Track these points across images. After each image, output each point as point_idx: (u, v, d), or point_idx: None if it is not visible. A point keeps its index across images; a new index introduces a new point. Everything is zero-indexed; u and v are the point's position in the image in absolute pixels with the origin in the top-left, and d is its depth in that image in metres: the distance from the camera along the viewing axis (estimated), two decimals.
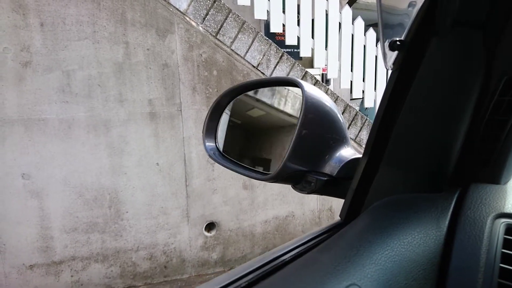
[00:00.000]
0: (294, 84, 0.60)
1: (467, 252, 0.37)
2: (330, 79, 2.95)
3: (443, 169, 0.48)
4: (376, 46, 3.02)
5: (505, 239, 0.37)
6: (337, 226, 0.50)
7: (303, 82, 0.57)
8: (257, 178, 0.63)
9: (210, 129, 0.69)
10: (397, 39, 0.43)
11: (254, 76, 2.50)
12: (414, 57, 0.44)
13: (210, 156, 0.69)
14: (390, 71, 0.46)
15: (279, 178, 0.56)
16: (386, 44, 0.44)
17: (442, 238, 0.40)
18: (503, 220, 0.39)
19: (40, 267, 2.20)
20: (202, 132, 0.70)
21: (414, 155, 0.48)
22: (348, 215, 0.52)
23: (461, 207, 0.42)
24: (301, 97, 0.56)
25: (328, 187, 0.57)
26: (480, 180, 0.49)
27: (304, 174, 0.57)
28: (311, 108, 0.54)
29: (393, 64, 0.45)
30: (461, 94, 0.44)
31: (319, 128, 0.55)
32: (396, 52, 0.44)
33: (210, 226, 2.58)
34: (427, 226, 0.40)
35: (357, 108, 2.93)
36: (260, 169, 0.68)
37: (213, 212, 2.54)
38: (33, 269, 2.18)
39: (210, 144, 0.69)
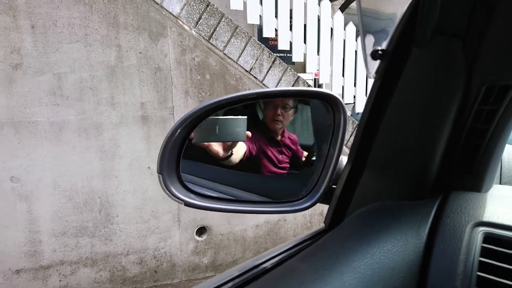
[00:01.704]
0: (331, 100, 0.56)
1: (446, 260, 0.38)
2: (322, 84, 2.96)
3: (425, 177, 0.48)
4: None
5: (482, 247, 0.38)
6: (321, 232, 0.50)
7: (341, 100, 0.55)
8: (285, 211, 0.55)
9: (170, 161, 0.51)
10: (379, 48, 0.44)
11: (247, 80, 2.51)
12: (395, 66, 0.44)
13: (186, 203, 0.52)
14: (372, 80, 0.47)
15: (317, 202, 0.54)
16: (368, 53, 0.44)
17: (422, 246, 0.40)
18: (481, 228, 0.40)
19: (27, 271, 2.16)
20: (158, 170, 0.50)
21: (396, 163, 0.48)
22: (332, 221, 0.52)
23: (441, 215, 0.43)
24: (336, 114, 0.54)
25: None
26: (461, 188, 0.50)
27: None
28: (346, 127, 0.53)
29: (376, 73, 0.45)
30: (442, 103, 0.45)
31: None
32: (378, 61, 0.44)
33: (201, 231, 2.57)
34: (408, 233, 0.41)
35: (349, 113, 2.95)
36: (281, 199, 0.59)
37: (204, 216, 2.53)
38: (20, 274, 2.15)
39: (175, 184, 0.52)
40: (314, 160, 0.65)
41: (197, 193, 0.54)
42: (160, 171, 0.50)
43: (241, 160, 0.61)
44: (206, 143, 0.57)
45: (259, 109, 0.66)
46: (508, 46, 0.38)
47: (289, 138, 0.66)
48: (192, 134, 0.53)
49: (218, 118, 0.55)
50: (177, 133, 0.49)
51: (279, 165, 0.65)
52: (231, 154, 0.60)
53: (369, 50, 0.45)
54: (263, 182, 0.64)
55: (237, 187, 0.61)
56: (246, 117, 0.55)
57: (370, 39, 0.45)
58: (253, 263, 0.37)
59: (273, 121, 0.65)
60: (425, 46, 0.42)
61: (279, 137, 0.66)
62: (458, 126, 0.47)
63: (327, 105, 0.55)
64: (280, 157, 0.65)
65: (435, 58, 0.42)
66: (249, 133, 0.56)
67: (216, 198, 0.56)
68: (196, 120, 0.51)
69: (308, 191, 0.54)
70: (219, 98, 0.50)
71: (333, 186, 0.54)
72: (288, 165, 0.65)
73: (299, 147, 0.66)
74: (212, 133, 0.55)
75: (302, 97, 0.62)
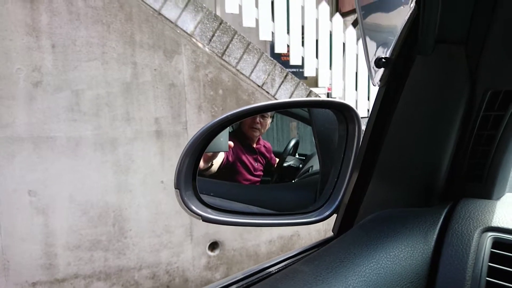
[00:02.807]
0: (345, 109, 0.55)
1: (454, 266, 0.37)
2: (335, 98, 2.97)
3: (433, 184, 0.48)
4: None
5: (491, 252, 0.37)
6: (329, 240, 0.50)
7: (357, 110, 0.55)
8: (299, 223, 0.54)
9: (187, 175, 0.50)
10: (383, 56, 0.45)
11: (259, 95, 2.53)
12: (399, 73, 0.45)
13: (204, 219, 0.50)
14: (377, 88, 0.48)
15: (333, 214, 0.53)
16: (372, 61, 0.45)
17: (430, 251, 0.40)
18: (490, 233, 0.39)
19: (43, 284, 2.19)
20: (176, 185, 0.49)
21: (403, 170, 0.48)
22: (340, 229, 0.52)
23: (450, 221, 0.42)
24: (350, 125, 0.54)
25: None
26: (471, 195, 0.49)
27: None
28: (361, 138, 0.53)
29: (380, 80, 0.46)
30: (448, 109, 0.45)
31: None
32: (382, 69, 0.45)
33: (213, 245, 2.56)
34: (415, 240, 0.40)
35: (363, 128, 2.93)
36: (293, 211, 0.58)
37: (216, 231, 2.53)
38: (36, 287, 2.18)
39: (193, 199, 0.51)
40: (286, 167, 0.65)
41: (213, 207, 0.53)
42: (178, 186, 0.49)
43: (219, 168, 0.60)
44: None
45: None
46: (510, 51, 0.39)
47: (264, 146, 0.66)
48: None
49: None
50: (195, 146, 0.49)
51: (254, 173, 0.65)
52: (211, 165, 0.59)
53: (372, 58, 0.46)
54: (269, 194, 0.64)
55: (244, 202, 0.60)
56: (228, 127, 0.55)
57: (373, 47, 0.46)
58: (259, 267, 0.38)
59: (251, 128, 0.65)
60: (427, 54, 0.42)
61: (255, 145, 0.67)
62: (465, 133, 0.47)
63: (340, 115, 0.56)
64: (255, 164, 0.65)
65: (438, 65, 0.43)
66: (231, 143, 0.56)
67: (231, 211, 0.55)
68: (213, 133, 0.51)
69: (323, 202, 0.54)
70: (232, 112, 0.51)
71: None
72: (262, 173, 0.66)
73: (272, 155, 0.66)
74: None
75: (316, 107, 0.62)
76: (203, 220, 0.50)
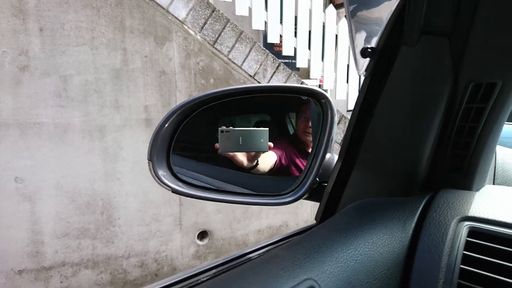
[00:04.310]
0: (319, 96, 0.57)
1: (430, 253, 0.38)
2: (326, 90, 2.97)
3: (415, 174, 0.49)
4: None
5: (467, 241, 0.38)
6: (311, 227, 0.50)
7: (328, 96, 0.56)
8: (269, 203, 0.57)
9: (160, 149, 0.54)
10: (368, 46, 0.45)
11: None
12: (384, 64, 0.45)
13: (173, 190, 0.54)
14: (362, 77, 0.48)
15: (302, 197, 0.55)
16: (358, 50, 0.45)
17: (408, 239, 0.40)
18: (466, 223, 0.40)
19: (29, 272, 2.18)
20: (148, 157, 0.52)
21: (386, 160, 0.49)
22: (323, 217, 0.53)
23: (428, 210, 0.43)
24: (323, 111, 0.55)
25: (313, 191, 0.58)
26: (451, 186, 0.50)
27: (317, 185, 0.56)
28: (335, 124, 0.54)
29: (365, 70, 0.46)
30: (431, 100, 0.45)
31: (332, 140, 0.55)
32: (367, 59, 0.45)
33: (202, 235, 2.57)
34: (394, 228, 0.41)
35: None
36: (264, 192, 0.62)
37: (206, 220, 2.54)
38: (22, 274, 2.16)
39: (164, 171, 0.54)
40: None
41: (186, 182, 0.56)
42: (150, 158, 0.52)
43: (271, 169, 0.64)
44: (231, 153, 0.60)
45: (289, 122, 0.69)
46: (493, 44, 0.39)
47: None
48: (217, 145, 0.56)
49: (242, 130, 0.58)
50: (168, 122, 0.51)
51: None
52: (257, 163, 0.62)
53: (358, 48, 0.46)
54: (251, 179, 0.66)
55: (227, 181, 0.63)
56: (267, 129, 0.58)
57: (360, 38, 0.46)
58: (239, 253, 0.38)
59: (304, 133, 0.68)
60: (412, 45, 0.43)
61: (310, 149, 0.68)
62: (447, 124, 0.47)
63: (316, 103, 0.56)
64: None
65: (422, 57, 0.43)
66: (271, 144, 0.58)
67: (203, 187, 0.58)
68: (186, 111, 0.53)
69: (294, 187, 0.55)
70: (209, 92, 0.53)
71: (324, 183, 0.55)
72: None
73: None
74: (236, 144, 0.58)
75: (290, 94, 0.64)
76: (172, 192, 0.54)
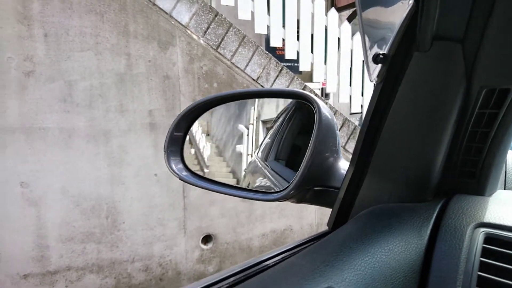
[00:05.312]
0: (306, 99, 0.58)
1: (447, 261, 0.38)
2: (329, 93, 2.97)
3: (427, 180, 0.49)
4: None
5: (483, 248, 0.38)
6: (324, 234, 0.50)
7: (316, 99, 0.56)
8: (258, 198, 0.60)
9: (175, 145, 0.62)
10: (380, 52, 0.45)
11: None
12: (396, 70, 0.45)
13: (180, 178, 0.61)
14: (374, 84, 0.48)
15: (290, 196, 0.55)
16: (370, 57, 0.45)
17: (424, 246, 0.40)
18: (482, 229, 0.40)
19: (34, 276, 2.18)
20: (164, 149, 0.60)
21: (398, 166, 0.49)
22: (335, 223, 0.53)
23: (443, 217, 0.43)
24: (314, 114, 0.56)
25: (322, 196, 0.58)
26: (464, 191, 0.50)
27: (311, 189, 0.57)
28: (324, 126, 0.54)
29: (377, 76, 0.46)
30: (443, 106, 0.45)
31: (328, 144, 0.55)
32: (379, 65, 0.45)
33: (206, 239, 2.57)
34: (409, 234, 0.41)
35: (357, 123, 2.94)
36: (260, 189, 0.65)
37: (210, 224, 2.53)
38: (27, 279, 2.17)
39: (176, 162, 0.61)
40: None
41: (194, 173, 0.63)
42: (166, 149, 0.60)
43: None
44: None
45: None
46: (506, 50, 0.39)
47: None
48: None
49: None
50: (184, 118, 0.60)
51: None
52: None
53: (370, 54, 0.46)
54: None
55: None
56: None
57: (371, 44, 0.46)
58: (255, 261, 0.38)
59: None
60: (425, 50, 0.43)
61: None
62: (460, 130, 0.47)
63: (308, 105, 0.57)
64: None
65: (435, 62, 0.43)
66: None
67: (208, 179, 0.63)
68: (200, 109, 0.62)
69: (287, 185, 0.56)
70: (218, 94, 0.61)
71: (319, 187, 0.55)
72: None
73: None
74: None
75: (280, 97, 0.65)
76: (179, 179, 0.61)
